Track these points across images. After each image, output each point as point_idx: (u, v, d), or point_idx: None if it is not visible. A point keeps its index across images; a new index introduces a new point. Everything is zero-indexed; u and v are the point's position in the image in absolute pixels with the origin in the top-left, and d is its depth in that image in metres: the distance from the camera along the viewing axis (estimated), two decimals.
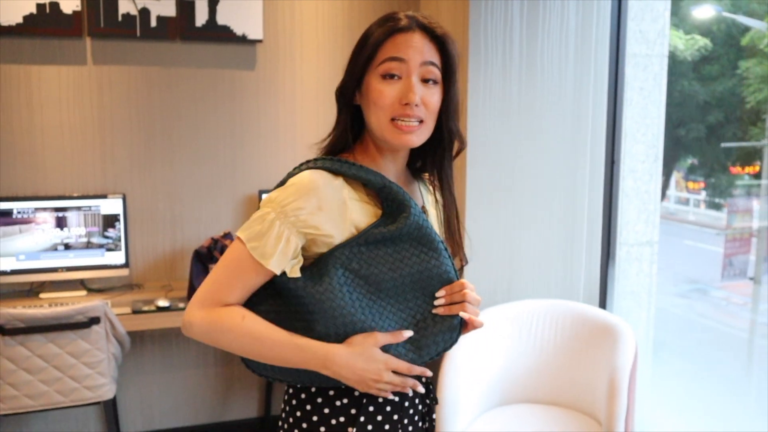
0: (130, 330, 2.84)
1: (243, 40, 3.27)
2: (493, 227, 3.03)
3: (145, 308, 2.89)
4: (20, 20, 2.98)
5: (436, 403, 1.47)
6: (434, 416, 1.47)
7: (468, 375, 2.72)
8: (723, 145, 7.07)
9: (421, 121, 1.28)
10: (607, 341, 2.72)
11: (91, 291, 3.11)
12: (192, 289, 2.99)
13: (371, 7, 3.45)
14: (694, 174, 9.15)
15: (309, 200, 1.24)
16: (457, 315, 1.31)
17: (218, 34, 3.23)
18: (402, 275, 1.29)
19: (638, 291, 3.26)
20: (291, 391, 1.37)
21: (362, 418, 1.31)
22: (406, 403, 1.37)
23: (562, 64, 3.03)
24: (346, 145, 1.35)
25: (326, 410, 1.32)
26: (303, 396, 1.34)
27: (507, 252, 3.06)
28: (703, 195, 9.17)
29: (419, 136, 1.29)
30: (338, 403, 1.32)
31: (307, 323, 1.26)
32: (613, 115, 3.15)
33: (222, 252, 3.05)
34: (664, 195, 8.28)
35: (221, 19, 3.21)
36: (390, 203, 1.30)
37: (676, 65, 6.90)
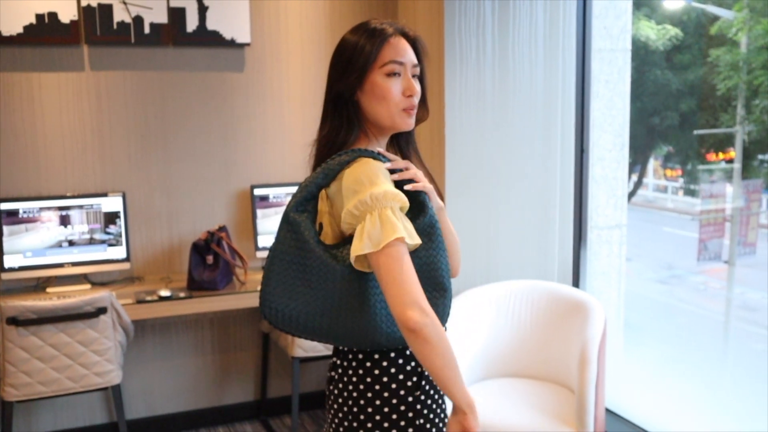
0: (134, 319, 3.03)
1: (232, 44, 3.45)
2: (472, 213, 3.23)
3: (148, 298, 3.07)
4: (21, 30, 3.15)
5: None
6: None
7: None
8: (696, 132, 7.25)
9: (413, 108, 1.56)
10: (578, 317, 2.94)
11: (94, 285, 3.29)
12: (192, 280, 3.18)
13: (351, 10, 3.65)
14: (671, 162, 9.33)
15: (387, 178, 1.46)
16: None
17: (208, 38, 3.41)
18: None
19: (609, 272, 3.48)
20: (353, 360, 1.54)
21: (424, 383, 1.53)
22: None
23: (533, 60, 3.24)
24: (352, 135, 1.55)
25: (398, 374, 1.52)
26: (368, 364, 1.52)
27: (485, 236, 3.27)
28: (680, 182, 9.35)
29: (414, 119, 1.58)
30: (408, 366, 1.52)
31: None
32: (582, 107, 3.36)
33: (219, 244, 3.23)
34: (641, 183, 8.48)
35: (210, 25, 3.40)
36: (412, 200, 1.51)
37: (648, 55, 7.07)
